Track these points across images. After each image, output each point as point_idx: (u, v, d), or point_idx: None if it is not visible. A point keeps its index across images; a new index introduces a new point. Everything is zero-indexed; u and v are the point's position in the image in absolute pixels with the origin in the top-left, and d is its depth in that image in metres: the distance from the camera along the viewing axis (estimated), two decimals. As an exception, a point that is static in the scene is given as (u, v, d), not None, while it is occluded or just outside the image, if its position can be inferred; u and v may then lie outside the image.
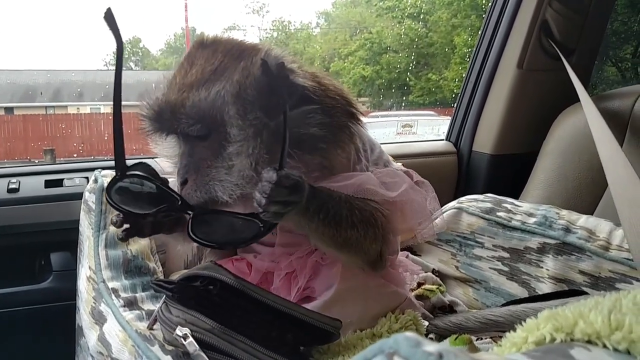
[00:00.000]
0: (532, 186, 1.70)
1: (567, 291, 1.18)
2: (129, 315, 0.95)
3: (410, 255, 1.41)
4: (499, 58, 1.87)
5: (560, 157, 1.63)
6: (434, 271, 1.46)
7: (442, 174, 1.98)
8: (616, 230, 1.20)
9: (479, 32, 2.02)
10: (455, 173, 2.02)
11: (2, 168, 1.63)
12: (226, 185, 0.87)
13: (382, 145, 1.17)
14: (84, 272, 1.10)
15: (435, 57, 11.40)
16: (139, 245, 1.13)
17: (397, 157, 1.54)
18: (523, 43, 1.77)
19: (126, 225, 0.88)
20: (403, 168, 1.17)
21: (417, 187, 1.07)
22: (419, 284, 1.35)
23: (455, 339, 0.97)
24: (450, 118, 2.16)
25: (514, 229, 1.33)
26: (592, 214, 1.38)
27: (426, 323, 1.12)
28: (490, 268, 1.37)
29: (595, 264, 1.18)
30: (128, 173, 0.87)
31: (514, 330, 0.53)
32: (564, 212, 1.30)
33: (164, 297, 0.86)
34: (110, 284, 1.03)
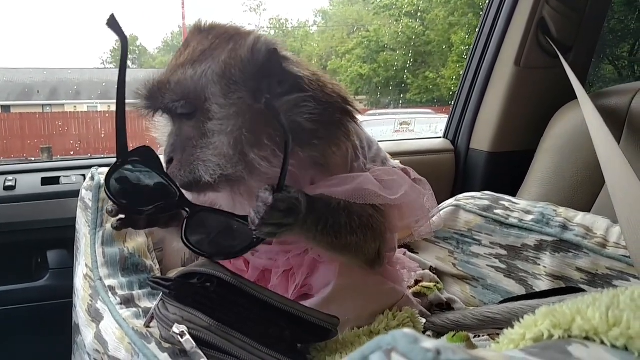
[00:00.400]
0: (529, 184, 1.70)
1: (565, 288, 1.19)
2: (125, 312, 0.94)
3: (408, 253, 1.41)
4: (497, 56, 1.87)
5: (558, 154, 1.63)
6: (431, 269, 1.46)
7: (440, 171, 1.98)
8: (613, 228, 1.20)
9: (477, 30, 2.02)
10: (452, 171, 2.02)
11: (-1, 166, 1.63)
12: (209, 165, 0.86)
13: (379, 143, 1.17)
14: (80, 269, 1.09)
15: (432, 55, 11.39)
16: (135, 242, 1.13)
17: (394, 155, 1.54)
18: (520, 41, 1.78)
19: (121, 216, 0.88)
20: (401, 165, 1.16)
21: (415, 184, 1.07)
22: (417, 282, 1.36)
23: (453, 336, 0.98)
24: (447, 116, 2.16)
25: (512, 226, 1.33)
26: (589, 211, 1.38)
27: (424, 320, 1.12)
28: (487, 265, 1.37)
29: (593, 261, 1.19)
30: (129, 159, 0.85)
31: (512, 327, 0.53)
32: (561, 210, 1.30)
33: (161, 295, 0.86)
34: (107, 282, 1.03)
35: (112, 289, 1.01)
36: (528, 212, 1.33)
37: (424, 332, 1.10)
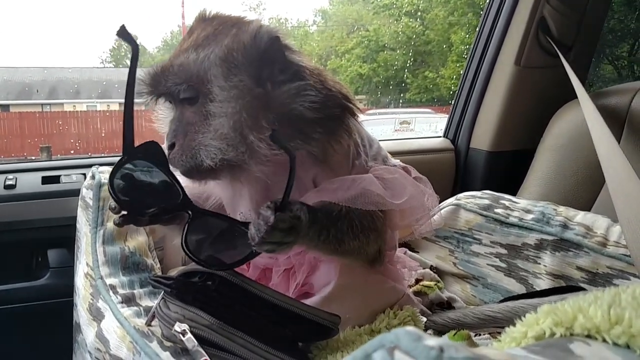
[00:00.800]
0: (529, 183, 1.70)
1: (565, 287, 1.19)
2: (127, 311, 0.94)
3: (408, 252, 1.41)
4: (497, 55, 1.87)
5: (558, 154, 1.63)
6: (432, 268, 1.46)
7: (440, 170, 1.98)
8: (613, 227, 1.21)
9: (477, 29, 2.02)
10: (452, 170, 2.02)
11: (-1, 165, 1.63)
12: (210, 149, 0.86)
13: (380, 142, 1.17)
14: (81, 268, 1.09)
15: (432, 55, 11.39)
16: (136, 241, 1.13)
17: (394, 154, 1.53)
18: (521, 40, 1.78)
19: (124, 212, 0.88)
20: (401, 164, 1.16)
21: (416, 183, 1.07)
22: (417, 281, 1.36)
23: (454, 334, 0.98)
24: (447, 116, 2.16)
25: (512, 225, 1.33)
26: (589, 210, 1.38)
27: (424, 319, 1.12)
28: (487, 264, 1.37)
29: (593, 260, 1.19)
30: (136, 156, 0.84)
31: (513, 325, 0.53)
32: (562, 209, 1.30)
33: (162, 293, 0.86)
34: (108, 281, 1.03)
35: (113, 287, 1.01)
36: (528, 211, 1.33)
37: (424, 331, 1.10)
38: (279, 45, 0.88)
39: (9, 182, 1.51)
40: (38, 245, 1.55)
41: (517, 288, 1.30)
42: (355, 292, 1.00)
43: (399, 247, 1.24)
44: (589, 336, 0.46)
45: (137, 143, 0.83)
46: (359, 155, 1.02)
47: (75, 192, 1.25)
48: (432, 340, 0.33)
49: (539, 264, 1.27)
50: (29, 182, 1.54)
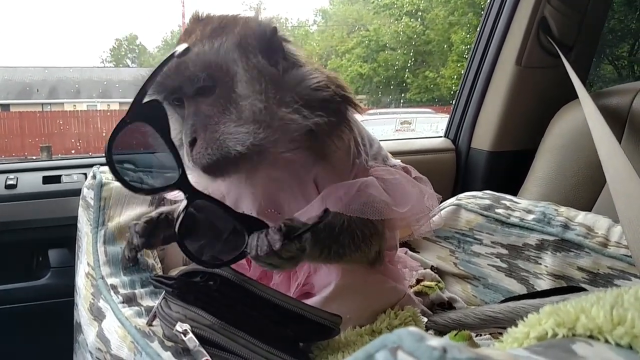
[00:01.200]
0: (530, 183, 1.70)
1: (566, 288, 1.19)
2: (128, 311, 0.94)
3: (409, 252, 1.41)
4: (498, 55, 1.87)
5: (559, 154, 1.63)
6: (432, 268, 1.46)
7: (441, 170, 1.98)
8: (615, 227, 1.20)
9: (478, 29, 2.02)
10: (453, 170, 2.02)
11: (0, 164, 1.62)
12: (237, 136, 0.83)
13: (380, 142, 1.16)
14: (82, 268, 1.09)
15: (432, 54, 11.39)
16: (137, 241, 1.13)
17: (395, 154, 1.53)
18: (522, 40, 1.77)
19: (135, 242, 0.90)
20: (401, 164, 1.16)
21: (416, 182, 1.06)
22: (418, 281, 1.36)
23: (455, 335, 0.98)
24: (447, 116, 2.16)
25: (513, 225, 1.33)
26: (590, 210, 1.38)
27: (425, 319, 1.12)
28: (488, 265, 1.37)
29: (594, 261, 1.19)
30: (139, 117, 0.78)
31: (515, 326, 0.53)
32: (563, 209, 1.30)
33: (163, 293, 0.86)
34: (109, 280, 1.03)
35: (114, 287, 1.01)
36: (529, 212, 1.33)
37: (425, 331, 1.10)
38: (277, 35, 0.91)
39: (9, 182, 1.51)
40: (39, 245, 1.55)
41: (518, 288, 1.30)
42: (356, 292, 1.00)
43: (400, 247, 1.24)
44: (591, 337, 0.46)
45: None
46: (359, 155, 1.02)
47: (76, 192, 1.25)
48: (435, 341, 0.33)
49: (540, 264, 1.27)
50: (30, 182, 1.54)
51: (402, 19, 11.70)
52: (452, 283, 1.46)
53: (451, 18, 10.82)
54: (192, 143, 0.86)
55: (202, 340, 0.76)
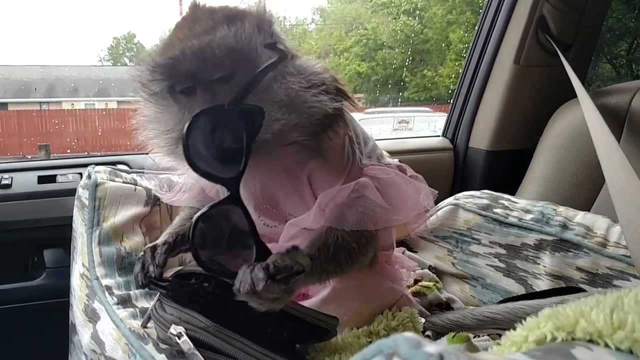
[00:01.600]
0: (528, 182, 1.69)
1: (565, 288, 1.18)
2: (122, 313, 0.93)
3: (407, 252, 1.41)
4: (496, 53, 1.86)
5: (557, 153, 1.63)
6: (430, 268, 1.46)
7: (439, 170, 1.98)
8: (613, 227, 1.20)
9: (476, 28, 2.01)
10: (451, 169, 2.01)
11: (-5, 164, 1.62)
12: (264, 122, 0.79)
13: (377, 141, 1.15)
14: (77, 269, 1.08)
15: (430, 53, 11.41)
16: (132, 242, 1.12)
17: (393, 153, 1.53)
18: (520, 38, 1.77)
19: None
20: (397, 163, 1.15)
21: (412, 180, 1.05)
22: (416, 281, 1.35)
23: (453, 336, 0.97)
24: (445, 114, 2.15)
25: (511, 225, 1.32)
26: (589, 210, 1.37)
27: (423, 320, 1.11)
28: (487, 265, 1.37)
29: (593, 261, 1.18)
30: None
31: (512, 327, 0.52)
32: (561, 209, 1.29)
33: (158, 295, 0.85)
34: (104, 281, 1.02)
35: (108, 288, 1.00)
36: (528, 211, 1.32)
37: (423, 332, 1.10)
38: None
39: (4, 182, 1.50)
40: (34, 245, 1.54)
41: (516, 288, 1.30)
42: (353, 294, 1.00)
43: (397, 246, 1.24)
44: (591, 341, 0.45)
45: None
46: (354, 152, 1.00)
47: (72, 192, 1.24)
48: (431, 347, 0.33)
49: (539, 264, 1.26)
50: (25, 182, 1.53)
51: (400, 17, 11.72)
52: (450, 283, 1.45)
53: (449, 17, 10.84)
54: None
55: (197, 343, 0.75)
